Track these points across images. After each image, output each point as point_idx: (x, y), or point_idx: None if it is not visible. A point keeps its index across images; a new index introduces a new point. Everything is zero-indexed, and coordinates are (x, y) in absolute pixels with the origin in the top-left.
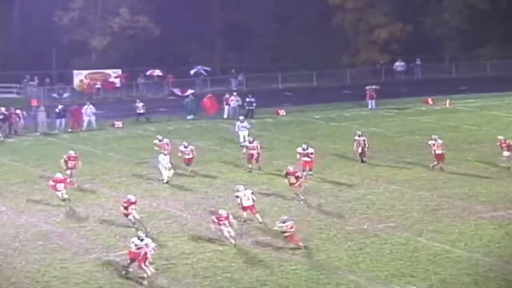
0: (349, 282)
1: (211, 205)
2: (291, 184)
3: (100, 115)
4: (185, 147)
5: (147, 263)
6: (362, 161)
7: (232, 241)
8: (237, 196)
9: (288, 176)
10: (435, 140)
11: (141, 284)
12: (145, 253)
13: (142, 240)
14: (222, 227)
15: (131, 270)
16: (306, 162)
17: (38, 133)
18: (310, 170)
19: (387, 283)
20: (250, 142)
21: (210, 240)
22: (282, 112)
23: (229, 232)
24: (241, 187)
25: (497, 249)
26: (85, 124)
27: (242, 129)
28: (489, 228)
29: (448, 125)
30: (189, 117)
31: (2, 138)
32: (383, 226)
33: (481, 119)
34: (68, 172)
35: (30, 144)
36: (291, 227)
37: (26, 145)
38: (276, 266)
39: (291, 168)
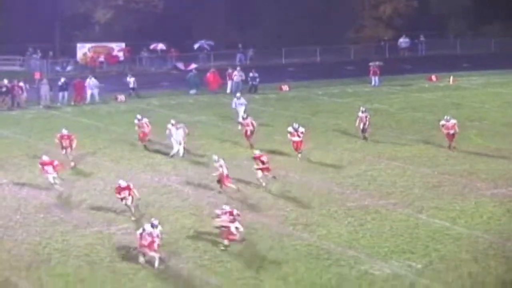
0: (349, 258)
1: (210, 180)
2: (258, 168)
3: (103, 89)
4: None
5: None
6: (364, 138)
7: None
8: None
9: (256, 161)
10: (447, 120)
11: (141, 259)
12: (152, 241)
13: (154, 226)
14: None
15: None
16: (296, 142)
17: (41, 106)
18: (300, 151)
19: (387, 259)
20: (244, 118)
21: (210, 214)
22: (285, 87)
23: (237, 228)
24: (215, 157)
25: (497, 226)
26: (88, 97)
27: (239, 106)
28: (489, 205)
29: (451, 102)
30: (192, 91)
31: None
32: (384, 203)
33: (484, 96)
34: (64, 151)
35: (32, 117)
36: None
37: (29, 118)
38: (276, 242)
39: (257, 152)
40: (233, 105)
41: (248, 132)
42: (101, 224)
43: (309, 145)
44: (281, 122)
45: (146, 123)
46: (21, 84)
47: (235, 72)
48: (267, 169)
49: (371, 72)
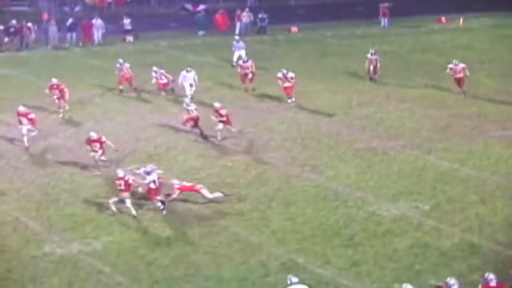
0: (356, 199)
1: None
2: (220, 121)
3: (111, 30)
4: (155, 72)
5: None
6: (371, 79)
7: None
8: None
9: (215, 113)
10: (456, 64)
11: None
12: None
13: (147, 173)
14: None
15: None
16: (286, 87)
17: (49, 47)
18: (290, 97)
19: (395, 201)
20: (244, 62)
21: (218, 156)
22: (294, 29)
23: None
24: (188, 100)
25: (505, 168)
26: (96, 38)
27: (238, 49)
28: (497, 147)
29: (461, 43)
30: (200, 33)
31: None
32: (392, 144)
33: (494, 38)
34: (56, 101)
35: (41, 57)
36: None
37: (37, 59)
38: (284, 182)
39: (217, 105)
40: (233, 48)
41: (249, 76)
42: (108, 165)
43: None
44: (290, 63)
45: (126, 68)
46: (29, 24)
47: (244, 13)
48: (228, 122)
49: (381, 13)
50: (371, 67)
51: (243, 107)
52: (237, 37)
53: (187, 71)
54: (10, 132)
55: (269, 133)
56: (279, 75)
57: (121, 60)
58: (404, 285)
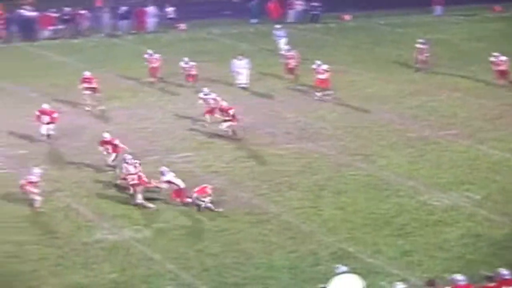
0: (408, 188)
1: (271, 109)
2: (225, 120)
3: (164, 17)
4: (186, 62)
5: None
6: (419, 69)
7: None
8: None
9: (223, 112)
10: (496, 57)
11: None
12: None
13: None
14: None
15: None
16: (321, 79)
17: (103, 35)
18: (322, 89)
19: (446, 190)
20: (287, 51)
21: (270, 144)
22: (347, 17)
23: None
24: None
25: None
26: (148, 25)
27: (279, 38)
28: None
29: None
30: (253, 20)
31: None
32: (444, 133)
33: None
34: (87, 92)
35: (94, 45)
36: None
37: (91, 46)
38: (335, 171)
39: (225, 104)
40: (274, 37)
41: (291, 65)
42: (160, 152)
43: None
44: (342, 52)
45: (156, 58)
46: (83, 12)
47: (297, 1)
48: (233, 121)
49: (434, 1)
50: (420, 57)
51: (294, 96)
52: (277, 26)
53: (239, 59)
54: (62, 120)
55: (320, 122)
56: (314, 66)
57: (150, 51)
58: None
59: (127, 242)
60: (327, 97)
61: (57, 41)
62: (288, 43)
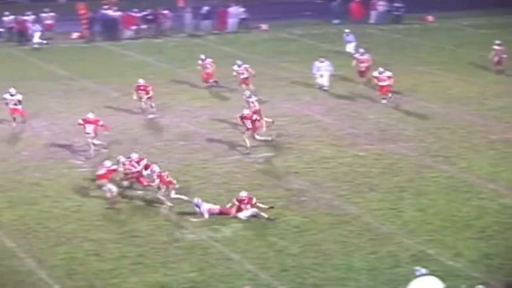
0: (489, 190)
1: (352, 110)
2: (248, 129)
3: (246, 17)
4: (239, 65)
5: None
6: (499, 71)
7: None
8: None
9: (244, 121)
10: None
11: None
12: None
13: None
14: None
15: None
16: (383, 86)
17: (185, 34)
18: (386, 96)
19: None
20: (361, 55)
21: (350, 145)
22: (430, 18)
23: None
24: (247, 92)
25: None
26: (230, 26)
27: (349, 42)
28: None
29: None
30: (335, 21)
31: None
32: None
33: None
34: (142, 104)
35: (176, 45)
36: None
37: (172, 46)
38: (416, 173)
39: (247, 112)
40: (344, 40)
41: (362, 69)
42: (241, 152)
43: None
44: (425, 53)
45: (209, 64)
46: (166, 12)
47: (380, 2)
48: (253, 129)
49: None
50: (496, 58)
51: (375, 97)
52: (347, 30)
53: (321, 61)
54: (143, 119)
55: (402, 123)
56: (376, 73)
57: (202, 56)
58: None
59: (206, 241)
60: (391, 102)
61: (139, 41)
62: (357, 47)
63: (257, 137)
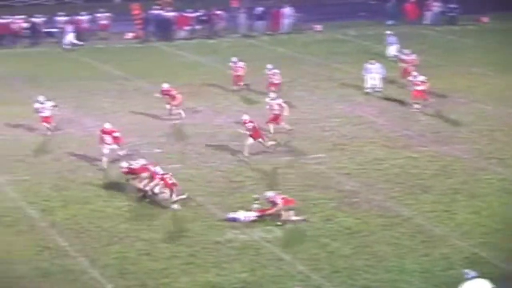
0: None
1: (405, 112)
2: (250, 135)
3: (300, 18)
4: (269, 69)
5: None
6: None
7: None
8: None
9: (246, 125)
10: None
11: None
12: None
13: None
14: None
15: None
16: (418, 91)
17: (238, 35)
18: (418, 101)
19: None
20: (407, 55)
21: (403, 146)
22: (485, 19)
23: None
24: (270, 95)
25: None
26: (284, 26)
27: (391, 44)
28: None
29: None
30: (389, 22)
31: None
32: None
33: None
34: (168, 106)
35: (229, 45)
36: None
37: (226, 47)
38: (469, 175)
39: (246, 117)
40: (386, 43)
41: (409, 70)
42: (294, 153)
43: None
44: (480, 54)
45: (241, 67)
46: (219, 12)
47: (434, 3)
48: (256, 136)
49: None
50: None
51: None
52: (389, 32)
53: (371, 63)
54: (194, 119)
55: (455, 125)
56: (410, 78)
57: (234, 59)
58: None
59: (257, 242)
60: (426, 108)
61: (193, 41)
62: (401, 49)
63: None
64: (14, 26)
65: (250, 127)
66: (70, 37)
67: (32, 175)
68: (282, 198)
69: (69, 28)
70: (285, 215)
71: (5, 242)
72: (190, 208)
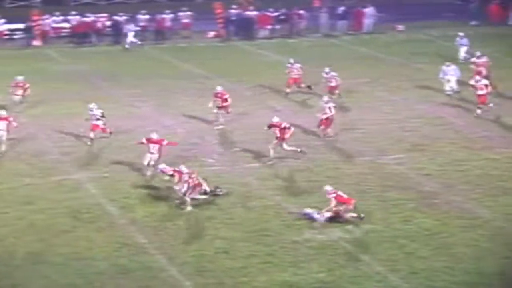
0: None
1: (485, 113)
2: (277, 138)
3: (382, 18)
4: (327, 73)
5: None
6: None
7: None
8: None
9: (273, 129)
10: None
11: None
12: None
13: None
14: None
15: None
16: (480, 95)
17: (320, 34)
18: (482, 106)
19: None
20: (478, 58)
21: (484, 148)
22: None
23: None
24: (325, 98)
25: None
26: (366, 26)
27: (461, 45)
28: None
29: None
30: (472, 22)
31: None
32: None
33: None
34: (215, 111)
35: (310, 45)
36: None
37: (307, 46)
38: None
39: (276, 120)
40: (456, 43)
41: (483, 73)
42: (373, 154)
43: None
44: None
45: (297, 68)
46: (301, 12)
47: None
48: (282, 138)
49: None
50: None
51: (507, 99)
52: (461, 34)
53: (447, 66)
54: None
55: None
56: (472, 82)
57: (291, 60)
58: None
59: (335, 242)
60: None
61: (273, 41)
62: (471, 51)
63: (285, 146)
64: (97, 25)
65: (283, 126)
66: (130, 37)
67: (112, 172)
68: (336, 196)
69: (131, 27)
70: (342, 212)
71: (86, 239)
72: (269, 207)
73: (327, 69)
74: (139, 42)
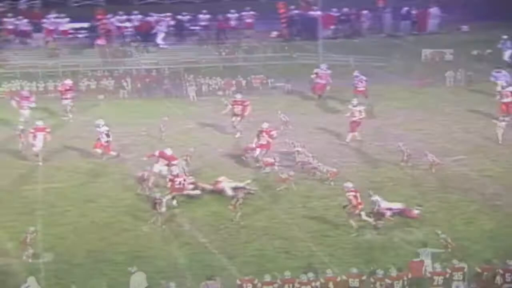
0: None
1: None
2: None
3: (446, 18)
4: (356, 77)
5: None
6: None
7: None
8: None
9: (262, 134)
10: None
11: None
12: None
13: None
14: None
15: None
16: (506, 103)
17: (383, 34)
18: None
19: None
20: None
21: None
22: None
23: None
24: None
25: None
26: (430, 26)
27: (506, 49)
28: None
29: None
30: None
31: None
32: None
33: None
34: (233, 119)
35: (374, 45)
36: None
37: (370, 46)
38: None
39: (266, 126)
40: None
41: None
42: (435, 154)
43: None
44: None
45: (325, 75)
46: (364, 12)
47: None
48: (267, 146)
49: None
50: None
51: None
52: (505, 37)
53: (497, 72)
54: (335, 118)
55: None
56: (499, 88)
57: (323, 66)
58: None
59: (396, 243)
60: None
61: (337, 41)
62: None
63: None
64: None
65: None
66: (160, 37)
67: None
68: (355, 195)
69: (162, 27)
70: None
71: (146, 237)
72: (330, 207)
73: (356, 73)
74: (164, 44)
